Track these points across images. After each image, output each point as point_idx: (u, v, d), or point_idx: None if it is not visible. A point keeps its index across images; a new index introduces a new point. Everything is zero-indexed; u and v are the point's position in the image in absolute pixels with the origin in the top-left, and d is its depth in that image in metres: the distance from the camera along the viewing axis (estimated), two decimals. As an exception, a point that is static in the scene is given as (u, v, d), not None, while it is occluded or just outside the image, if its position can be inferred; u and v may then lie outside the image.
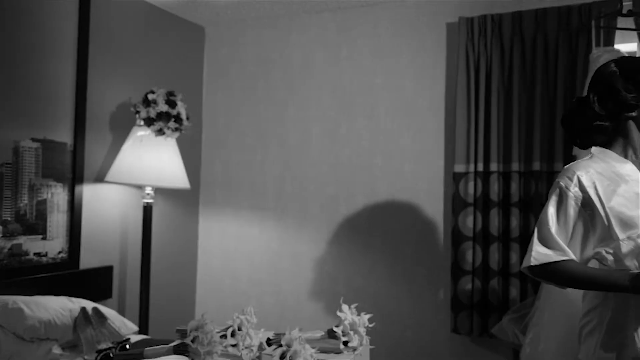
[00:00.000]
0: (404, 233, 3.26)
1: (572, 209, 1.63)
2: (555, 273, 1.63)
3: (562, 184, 1.66)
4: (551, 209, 1.66)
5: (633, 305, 1.59)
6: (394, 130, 3.31)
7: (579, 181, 1.63)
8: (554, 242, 1.63)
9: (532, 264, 1.65)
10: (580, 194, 1.63)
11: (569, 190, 1.63)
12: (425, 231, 3.20)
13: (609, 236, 1.61)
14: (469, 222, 2.94)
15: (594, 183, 1.63)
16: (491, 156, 2.91)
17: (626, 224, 1.59)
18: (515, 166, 2.87)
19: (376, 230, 3.33)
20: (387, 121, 3.33)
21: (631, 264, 1.59)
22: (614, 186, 1.63)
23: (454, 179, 3.00)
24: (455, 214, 2.98)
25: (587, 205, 1.62)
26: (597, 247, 1.64)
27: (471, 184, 2.95)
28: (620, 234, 1.59)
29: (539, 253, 1.64)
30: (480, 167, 2.94)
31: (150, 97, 2.90)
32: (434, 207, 3.19)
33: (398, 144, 3.29)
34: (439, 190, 3.18)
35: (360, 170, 3.38)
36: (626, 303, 1.60)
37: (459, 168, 2.98)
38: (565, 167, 1.71)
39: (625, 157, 1.69)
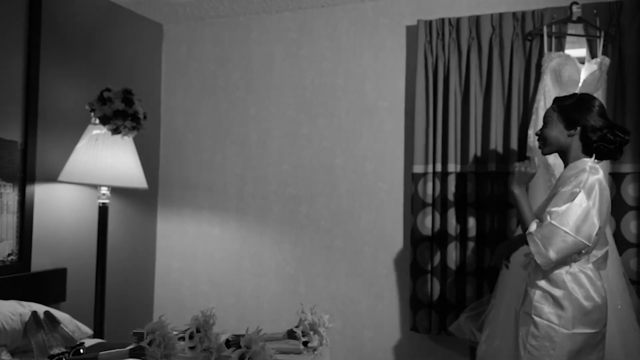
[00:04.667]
0: (365, 233, 3.28)
1: None
2: None
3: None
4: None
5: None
6: (354, 131, 3.33)
7: None
8: None
9: None
10: None
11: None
12: (386, 231, 3.24)
13: None
14: (427, 222, 2.99)
15: None
16: (449, 157, 2.97)
17: None
18: (471, 167, 2.93)
19: (337, 230, 3.34)
20: (347, 121, 3.35)
21: None
22: None
23: (412, 180, 3.04)
24: (414, 214, 3.02)
25: None
26: None
27: (429, 185, 2.99)
28: None
29: None
30: (439, 168, 2.99)
31: (106, 95, 2.83)
32: (394, 207, 3.22)
33: (359, 144, 3.32)
34: (399, 191, 3.22)
35: (321, 171, 3.39)
36: None
37: (418, 169, 3.02)
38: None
39: None
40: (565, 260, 1.98)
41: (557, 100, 2.18)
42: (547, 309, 2.00)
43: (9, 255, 2.73)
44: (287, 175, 3.47)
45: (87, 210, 3.16)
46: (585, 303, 1.98)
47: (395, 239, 3.21)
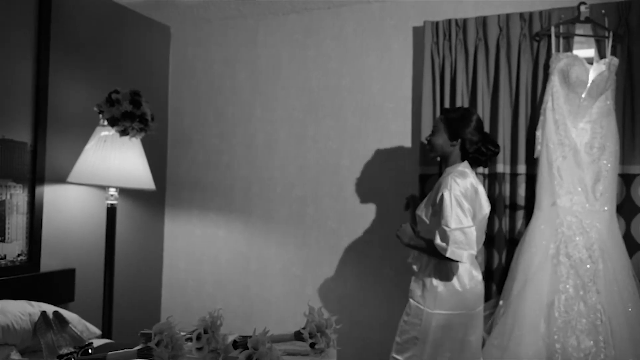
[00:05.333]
0: (371, 234, 3.28)
1: None
2: None
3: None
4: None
5: None
6: (361, 132, 3.33)
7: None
8: None
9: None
10: None
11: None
12: (392, 232, 3.22)
13: None
14: (434, 223, 2.98)
15: None
16: (456, 158, 2.95)
17: None
18: (479, 168, 2.92)
19: (343, 232, 3.34)
20: (354, 122, 3.35)
21: None
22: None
23: (419, 181, 3.03)
24: (421, 215, 3.01)
25: None
26: None
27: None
28: None
29: None
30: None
31: (114, 96, 2.84)
32: (401, 208, 3.21)
33: (365, 145, 3.31)
34: (406, 192, 3.21)
35: (328, 172, 3.39)
36: None
37: (425, 170, 3.02)
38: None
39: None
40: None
41: (444, 111, 2.51)
42: (418, 292, 2.40)
43: (19, 255, 2.75)
44: (293, 177, 3.47)
45: (96, 211, 3.18)
46: (446, 288, 2.33)
47: (402, 240, 3.20)
